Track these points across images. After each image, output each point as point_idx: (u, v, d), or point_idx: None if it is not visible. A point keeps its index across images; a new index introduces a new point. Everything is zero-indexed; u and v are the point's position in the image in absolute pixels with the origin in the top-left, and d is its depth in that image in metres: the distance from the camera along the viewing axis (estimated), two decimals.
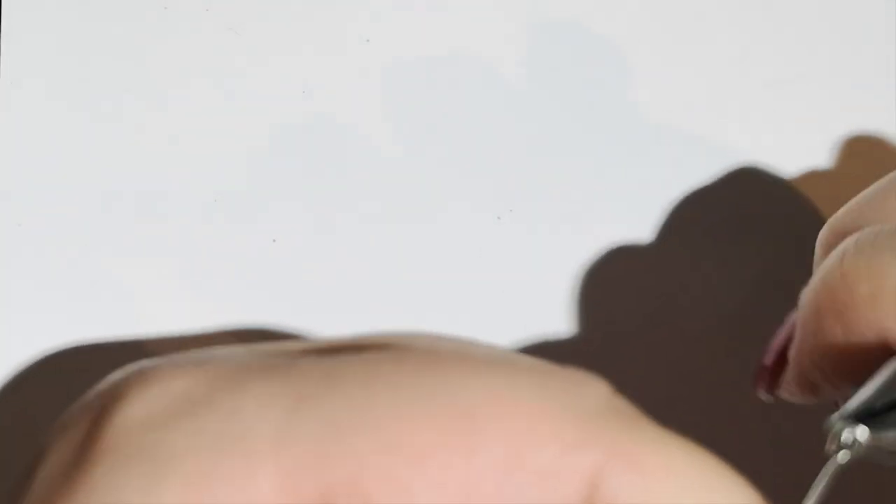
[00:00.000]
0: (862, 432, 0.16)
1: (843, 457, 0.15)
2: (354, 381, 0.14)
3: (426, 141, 0.31)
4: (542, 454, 0.14)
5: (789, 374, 0.22)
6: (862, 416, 0.16)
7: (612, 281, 0.31)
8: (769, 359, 0.22)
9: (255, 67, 0.31)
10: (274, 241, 0.29)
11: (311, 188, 0.30)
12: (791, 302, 0.22)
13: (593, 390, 0.15)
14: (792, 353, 0.21)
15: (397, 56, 0.31)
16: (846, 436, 0.16)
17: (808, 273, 0.22)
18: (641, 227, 0.31)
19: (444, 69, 0.31)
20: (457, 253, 0.30)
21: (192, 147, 0.30)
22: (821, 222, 0.23)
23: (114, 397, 0.15)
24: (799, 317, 0.21)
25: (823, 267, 0.20)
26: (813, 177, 0.31)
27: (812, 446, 0.17)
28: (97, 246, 0.29)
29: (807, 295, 0.21)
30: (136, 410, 0.14)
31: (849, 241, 0.20)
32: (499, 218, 0.30)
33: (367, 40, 0.31)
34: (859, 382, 0.18)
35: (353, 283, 0.29)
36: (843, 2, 0.33)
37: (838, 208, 0.23)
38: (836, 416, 0.16)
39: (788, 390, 0.22)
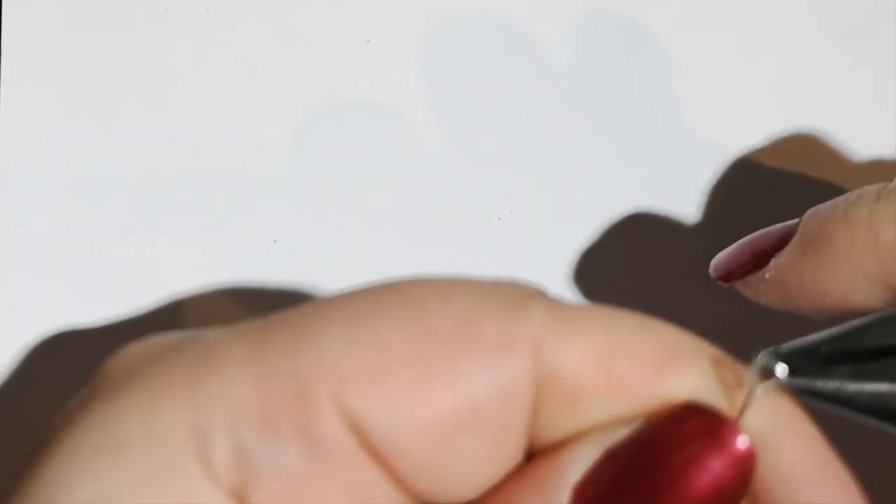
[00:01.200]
0: (782, 370, 0.16)
1: (762, 388, 0.16)
2: (313, 304, 0.16)
3: (426, 141, 0.31)
4: (487, 323, 0.16)
5: (765, 274, 0.22)
6: (797, 357, 0.16)
7: (611, 280, 0.31)
8: (745, 252, 0.22)
9: (256, 67, 0.31)
10: (274, 241, 0.29)
11: (311, 188, 0.30)
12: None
13: (529, 285, 0.17)
14: (778, 260, 0.21)
15: (398, 57, 0.31)
16: (764, 369, 0.16)
17: None
18: (642, 226, 0.31)
19: (443, 70, 0.31)
20: (457, 253, 0.30)
21: (192, 147, 0.30)
22: None
23: (108, 360, 0.17)
24: (804, 233, 0.21)
25: (851, 200, 0.20)
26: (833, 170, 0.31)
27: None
28: (96, 247, 0.29)
29: (822, 216, 0.21)
30: (130, 353, 0.17)
31: (888, 185, 0.20)
32: (499, 218, 0.30)
33: (368, 41, 0.31)
34: (827, 320, 0.18)
35: (354, 283, 0.29)
36: None
37: None
38: (771, 349, 0.16)
39: (753, 288, 0.22)
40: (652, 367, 0.16)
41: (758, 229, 0.29)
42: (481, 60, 0.31)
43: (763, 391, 0.16)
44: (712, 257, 0.31)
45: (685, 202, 0.31)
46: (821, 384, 0.16)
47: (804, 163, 0.32)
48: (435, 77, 0.31)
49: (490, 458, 0.16)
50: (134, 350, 0.17)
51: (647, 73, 0.32)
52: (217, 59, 0.31)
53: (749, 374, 0.16)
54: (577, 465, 0.15)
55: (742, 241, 0.22)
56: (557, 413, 0.16)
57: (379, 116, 0.31)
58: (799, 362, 0.16)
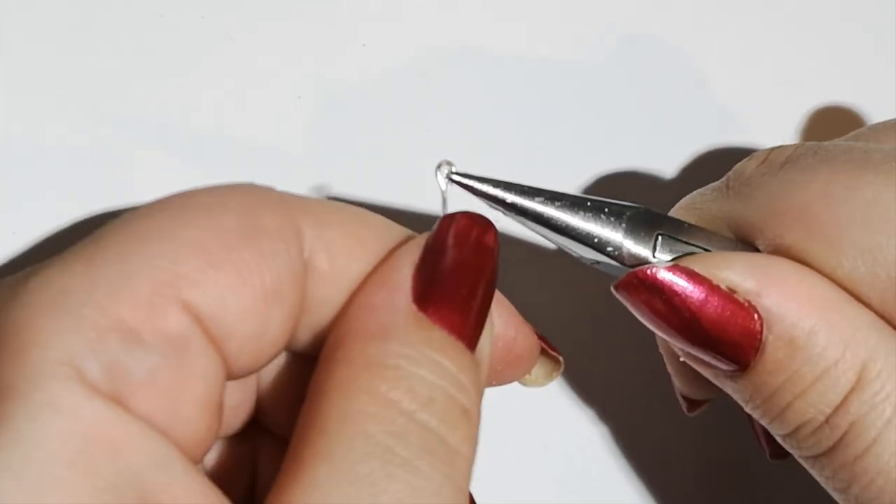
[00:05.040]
0: (450, 170, 0.22)
1: (444, 185, 0.22)
2: (116, 228, 0.19)
3: (424, 143, 0.31)
4: (267, 219, 0.19)
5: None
6: (469, 176, 0.23)
7: (610, 280, 0.31)
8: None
9: (251, 73, 0.31)
10: None
11: (308, 192, 0.30)
12: None
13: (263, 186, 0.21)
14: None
15: (393, 61, 0.31)
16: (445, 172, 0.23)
17: None
18: None
19: (440, 73, 0.31)
20: None
21: (188, 153, 0.30)
22: None
23: None
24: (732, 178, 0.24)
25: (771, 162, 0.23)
26: None
27: None
28: None
29: (747, 169, 0.24)
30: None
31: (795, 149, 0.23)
32: (497, 221, 0.30)
33: (364, 45, 0.31)
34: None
35: None
36: None
37: None
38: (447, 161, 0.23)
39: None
40: (377, 237, 0.21)
41: None
42: (476, 63, 0.31)
43: (445, 186, 0.22)
44: None
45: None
46: (483, 186, 0.22)
47: None
48: (430, 81, 0.31)
49: (288, 325, 0.20)
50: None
51: (646, 73, 0.32)
52: (212, 66, 0.30)
53: (437, 178, 0.22)
54: (405, 272, 0.20)
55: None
56: (322, 279, 0.20)
57: (375, 120, 0.31)
58: (470, 176, 0.22)
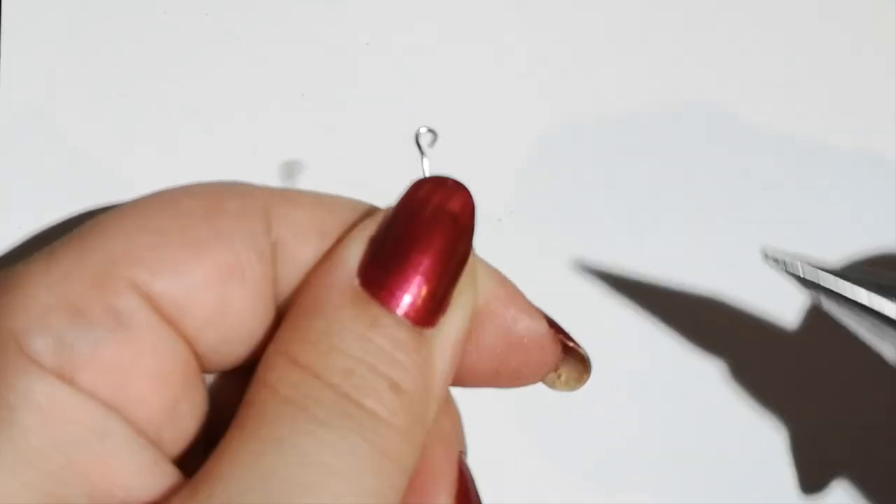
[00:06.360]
0: (428, 135, 0.21)
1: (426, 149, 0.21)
2: (90, 222, 0.20)
3: (424, 143, 0.31)
4: (229, 202, 0.19)
5: None
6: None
7: (610, 279, 0.31)
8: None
9: (254, 70, 0.31)
10: None
11: (310, 189, 0.30)
12: None
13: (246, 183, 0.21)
14: None
15: (397, 59, 0.31)
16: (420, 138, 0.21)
17: None
18: (641, 225, 0.31)
19: (443, 71, 0.31)
20: None
21: (191, 150, 0.30)
22: None
23: None
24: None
25: None
26: None
27: None
28: None
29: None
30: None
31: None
32: (499, 220, 0.30)
33: (367, 43, 0.31)
34: None
35: None
36: None
37: None
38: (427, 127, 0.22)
39: None
40: (342, 218, 0.20)
41: None
42: (479, 61, 0.31)
43: (424, 153, 0.21)
44: (719, 259, 0.31)
45: (684, 202, 0.31)
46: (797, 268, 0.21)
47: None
48: (432, 79, 0.31)
49: (255, 305, 0.19)
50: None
51: (644, 75, 0.32)
52: (216, 63, 0.31)
53: (416, 139, 0.21)
54: (355, 248, 0.19)
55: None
56: (294, 260, 0.20)
57: (377, 118, 0.31)
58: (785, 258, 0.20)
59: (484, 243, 0.30)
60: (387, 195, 0.30)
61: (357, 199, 0.21)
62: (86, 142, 0.30)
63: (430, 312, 0.19)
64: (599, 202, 0.31)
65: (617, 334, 0.30)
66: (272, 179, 0.30)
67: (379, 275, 0.19)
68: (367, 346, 0.18)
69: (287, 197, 0.20)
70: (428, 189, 0.20)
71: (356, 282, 0.19)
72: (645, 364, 0.30)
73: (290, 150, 0.30)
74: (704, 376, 0.30)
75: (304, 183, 0.30)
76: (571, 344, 0.23)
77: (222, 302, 0.19)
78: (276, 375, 0.18)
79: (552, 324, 0.22)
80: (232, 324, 0.19)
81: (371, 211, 0.21)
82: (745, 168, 0.31)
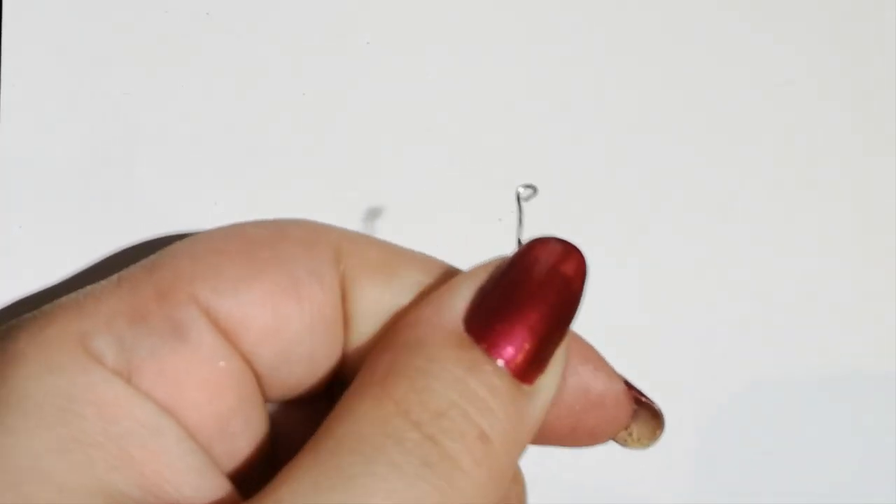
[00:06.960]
0: (526, 191, 0.22)
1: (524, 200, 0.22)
2: (169, 248, 0.21)
3: (428, 143, 0.31)
4: (294, 230, 0.21)
5: None
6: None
7: (610, 279, 0.31)
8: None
9: (255, 70, 0.31)
10: None
11: (311, 190, 0.30)
12: None
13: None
14: None
15: (398, 58, 0.31)
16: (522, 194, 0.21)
17: None
18: (642, 225, 0.31)
19: (444, 71, 0.31)
20: (458, 253, 0.30)
21: (192, 150, 0.30)
22: None
23: None
24: None
25: None
26: None
27: None
28: (95, 247, 0.29)
29: None
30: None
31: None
32: (500, 220, 0.30)
33: (368, 42, 0.31)
34: None
35: None
36: None
37: None
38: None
39: None
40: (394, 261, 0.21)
41: None
42: (480, 61, 0.31)
43: (521, 208, 0.22)
44: (719, 259, 0.31)
45: (685, 203, 0.31)
46: None
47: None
48: (434, 78, 0.31)
49: (313, 329, 0.20)
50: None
51: (643, 72, 0.32)
52: (217, 62, 0.31)
53: (518, 197, 0.22)
54: (463, 293, 0.19)
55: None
56: (363, 295, 0.21)
57: (378, 118, 0.31)
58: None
59: (484, 243, 0.30)
60: (387, 195, 0.30)
61: (423, 252, 0.22)
62: (85, 140, 0.30)
63: (530, 369, 0.19)
64: (600, 202, 0.31)
65: (617, 334, 0.30)
66: (272, 179, 0.30)
67: (485, 323, 0.19)
68: (463, 389, 0.18)
69: (358, 238, 0.21)
70: (543, 249, 0.20)
71: (461, 326, 0.19)
72: (645, 364, 0.30)
73: (289, 149, 0.30)
74: (706, 376, 0.30)
75: (304, 182, 0.30)
76: (645, 400, 0.23)
77: (277, 320, 0.20)
78: (366, 406, 0.18)
79: (630, 386, 0.23)
80: (289, 344, 0.20)
81: (441, 265, 0.21)
82: (745, 168, 0.31)
